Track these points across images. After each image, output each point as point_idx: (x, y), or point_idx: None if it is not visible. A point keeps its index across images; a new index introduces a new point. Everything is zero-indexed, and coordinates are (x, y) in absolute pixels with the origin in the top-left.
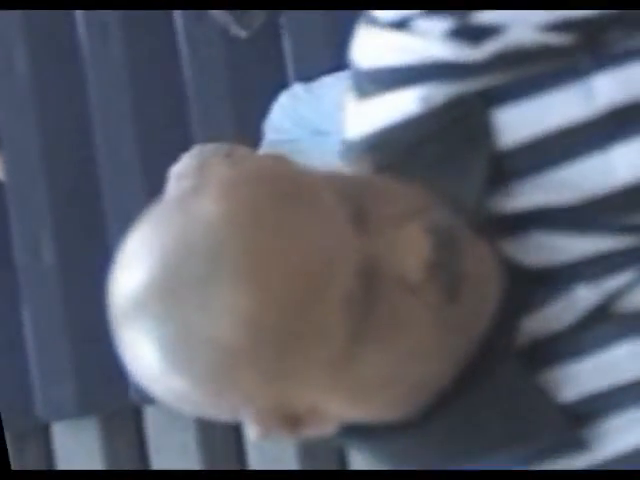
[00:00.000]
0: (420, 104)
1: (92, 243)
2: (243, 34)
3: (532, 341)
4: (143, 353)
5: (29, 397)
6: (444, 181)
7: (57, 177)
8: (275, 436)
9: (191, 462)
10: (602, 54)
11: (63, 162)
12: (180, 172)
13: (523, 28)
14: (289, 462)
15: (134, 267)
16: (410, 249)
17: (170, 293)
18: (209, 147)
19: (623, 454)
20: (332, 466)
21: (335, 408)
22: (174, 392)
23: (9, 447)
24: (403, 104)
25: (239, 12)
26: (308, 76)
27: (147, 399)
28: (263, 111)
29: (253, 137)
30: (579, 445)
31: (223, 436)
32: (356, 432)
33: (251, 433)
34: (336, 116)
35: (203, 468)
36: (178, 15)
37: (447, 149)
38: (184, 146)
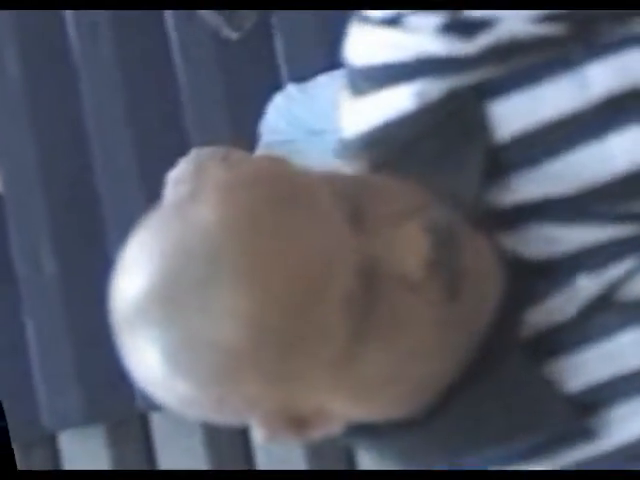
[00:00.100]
0: (415, 100)
1: (92, 250)
2: (234, 36)
3: (536, 333)
4: (146, 359)
5: (35, 407)
6: (441, 176)
7: (54, 186)
8: (282, 439)
9: (199, 466)
10: (595, 43)
11: (59, 171)
12: (177, 177)
13: (515, 20)
14: (297, 462)
15: (134, 274)
16: (409, 248)
17: (171, 298)
18: (206, 151)
19: (629, 443)
20: (340, 466)
21: (340, 408)
22: (178, 397)
23: (17, 457)
24: (398, 101)
25: (229, 14)
26: (301, 76)
27: (153, 405)
28: (258, 113)
29: (249, 139)
30: (586, 435)
31: (230, 439)
32: (362, 431)
33: (258, 436)
34: (331, 115)
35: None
36: (169, 19)
37: (443, 144)
38: (180, 150)
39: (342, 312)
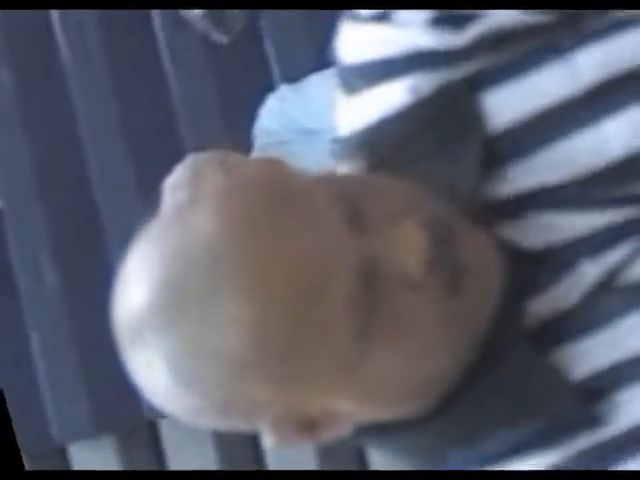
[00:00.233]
0: (409, 95)
1: (92, 260)
2: (224, 40)
3: (539, 322)
4: (151, 370)
5: (44, 421)
6: (439, 171)
7: (52, 197)
8: (292, 443)
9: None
10: (583, 29)
11: (56, 181)
12: (175, 183)
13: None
14: (308, 463)
15: (136, 285)
16: (408, 247)
17: (173, 309)
18: (202, 156)
19: (637, 425)
20: (351, 466)
21: (348, 409)
22: (186, 408)
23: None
24: (392, 96)
25: (218, 19)
26: (293, 77)
27: (162, 413)
28: (251, 115)
29: (243, 142)
30: (594, 421)
31: (241, 442)
32: (372, 431)
33: (268, 442)
34: (325, 114)
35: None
36: (158, 27)
37: (439, 139)
38: (176, 157)
39: (345, 313)
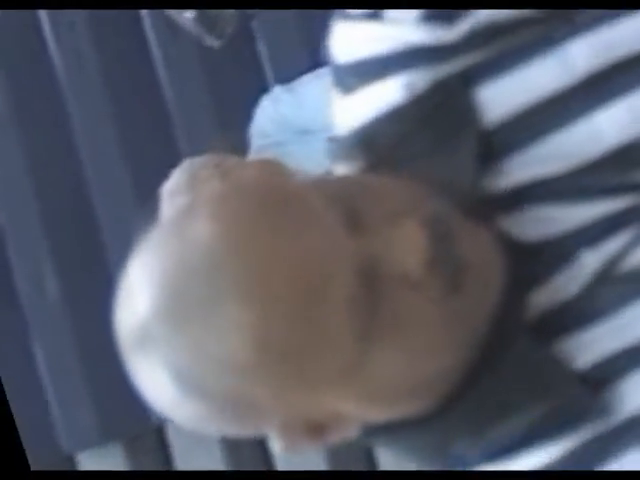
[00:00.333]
0: (404, 92)
1: (94, 269)
2: (217, 43)
3: (542, 314)
4: (155, 380)
5: (51, 431)
6: (436, 167)
7: (51, 210)
8: (300, 447)
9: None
10: (574, 20)
11: (54, 194)
12: (172, 189)
13: None
14: (317, 463)
15: (137, 295)
16: (407, 247)
17: (175, 316)
18: (198, 160)
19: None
20: (360, 467)
21: (354, 410)
22: (192, 415)
23: None
24: (387, 94)
25: (210, 22)
26: (287, 77)
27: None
28: (246, 117)
29: (239, 144)
30: (600, 410)
31: (249, 446)
32: (380, 431)
33: (276, 447)
34: (320, 114)
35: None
36: (149, 28)
37: (435, 135)
38: (173, 162)
39: (346, 314)
